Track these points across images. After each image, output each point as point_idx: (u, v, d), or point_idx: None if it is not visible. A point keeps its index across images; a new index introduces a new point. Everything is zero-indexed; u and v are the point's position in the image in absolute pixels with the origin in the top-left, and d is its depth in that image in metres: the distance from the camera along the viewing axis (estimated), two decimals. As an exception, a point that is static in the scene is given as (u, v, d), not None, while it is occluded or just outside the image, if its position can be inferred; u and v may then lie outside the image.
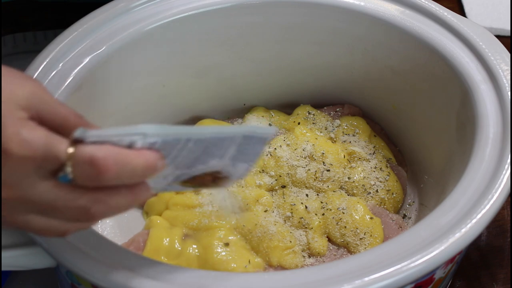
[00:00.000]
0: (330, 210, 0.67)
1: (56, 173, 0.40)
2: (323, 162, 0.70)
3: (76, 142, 0.40)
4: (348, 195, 0.69)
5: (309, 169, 0.70)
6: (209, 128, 0.45)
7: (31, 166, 0.39)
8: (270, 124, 0.77)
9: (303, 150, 0.71)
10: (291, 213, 0.67)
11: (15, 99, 0.40)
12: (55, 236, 0.43)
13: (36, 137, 0.39)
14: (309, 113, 0.77)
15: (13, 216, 0.41)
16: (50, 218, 0.42)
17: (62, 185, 0.40)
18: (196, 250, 0.62)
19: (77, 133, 0.40)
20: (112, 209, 0.42)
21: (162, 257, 0.62)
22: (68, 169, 0.40)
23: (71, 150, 0.39)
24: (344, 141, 0.74)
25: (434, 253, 0.48)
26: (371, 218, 0.66)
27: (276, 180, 0.70)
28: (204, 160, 0.46)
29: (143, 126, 0.41)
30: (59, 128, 0.41)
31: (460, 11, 1.01)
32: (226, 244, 0.63)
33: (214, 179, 0.49)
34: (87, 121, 0.43)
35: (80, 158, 0.39)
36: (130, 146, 0.41)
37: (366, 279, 0.47)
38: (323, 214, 0.67)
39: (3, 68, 0.41)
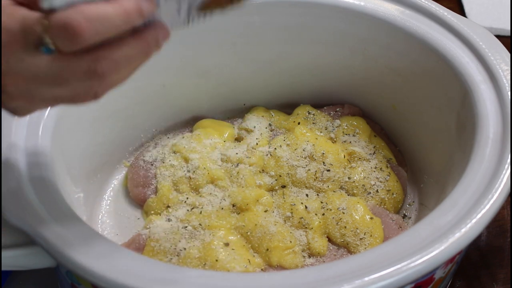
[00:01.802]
0: (330, 210, 0.67)
1: (39, 48, 0.40)
2: (323, 162, 0.70)
3: (48, 12, 0.40)
4: (348, 195, 0.69)
5: (309, 169, 0.70)
6: None
7: (16, 46, 0.40)
8: (270, 124, 0.77)
9: (303, 150, 0.71)
10: (291, 213, 0.67)
11: None
12: (87, 101, 0.44)
13: (13, 19, 0.40)
14: (309, 113, 0.77)
15: (36, 98, 0.42)
16: (69, 88, 0.42)
17: (57, 56, 0.41)
18: (196, 250, 0.62)
19: (45, 4, 0.40)
20: (122, 61, 0.42)
21: (162, 257, 0.63)
22: (47, 40, 0.40)
23: (44, 21, 0.40)
24: (344, 141, 0.74)
25: (434, 253, 0.48)
26: (371, 218, 0.66)
27: (276, 180, 0.70)
28: None
29: None
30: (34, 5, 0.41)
31: (460, 11, 1.01)
32: (226, 244, 0.63)
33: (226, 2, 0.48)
34: None
35: (54, 26, 0.39)
36: None
37: (366, 279, 0.47)
38: (323, 214, 0.67)
39: None
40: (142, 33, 0.42)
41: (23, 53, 0.40)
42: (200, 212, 0.66)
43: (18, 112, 0.45)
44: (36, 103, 0.44)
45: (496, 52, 0.64)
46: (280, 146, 0.72)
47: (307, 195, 0.68)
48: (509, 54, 0.64)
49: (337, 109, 0.79)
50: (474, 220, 0.50)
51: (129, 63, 0.42)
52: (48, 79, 0.41)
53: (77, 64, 0.41)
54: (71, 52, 0.40)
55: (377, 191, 0.70)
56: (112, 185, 0.75)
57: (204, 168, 0.70)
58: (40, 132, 0.59)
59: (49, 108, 0.61)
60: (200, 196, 0.69)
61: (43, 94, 0.43)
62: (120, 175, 0.76)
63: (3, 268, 0.52)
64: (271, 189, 0.70)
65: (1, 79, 0.41)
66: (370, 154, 0.73)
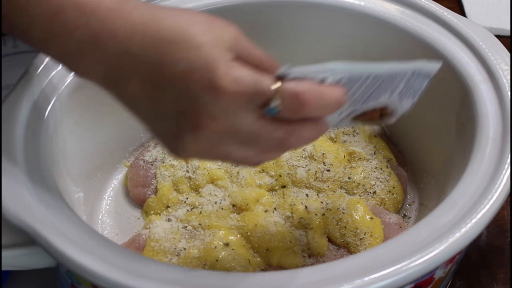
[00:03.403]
0: (330, 210, 0.67)
1: (262, 107, 0.44)
2: (323, 162, 0.70)
3: (278, 78, 0.44)
4: (348, 195, 0.69)
5: (309, 169, 0.70)
6: (385, 64, 0.49)
7: (242, 101, 0.43)
8: None
9: (303, 150, 0.71)
10: (291, 213, 0.67)
11: (223, 42, 0.44)
12: (250, 165, 0.49)
13: (245, 75, 0.43)
14: (309, 113, 0.77)
15: (217, 148, 0.45)
16: (249, 149, 0.45)
17: (265, 117, 0.44)
18: (196, 250, 0.62)
19: (282, 70, 0.45)
20: (302, 140, 0.46)
21: (162, 257, 0.63)
22: (276, 102, 0.44)
23: (277, 85, 0.44)
24: (344, 141, 0.74)
25: (434, 253, 0.48)
26: (371, 218, 0.66)
27: (276, 180, 0.70)
28: (376, 96, 0.49)
29: (332, 63, 0.46)
30: (256, 68, 0.45)
31: (460, 11, 1.01)
32: (226, 244, 0.63)
33: (381, 114, 0.52)
34: (277, 62, 0.47)
35: (286, 92, 0.44)
36: (321, 82, 0.45)
37: (366, 279, 0.47)
38: (323, 214, 0.67)
39: (207, 16, 0.45)
40: (318, 120, 0.47)
41: (242, 109, 0.43)
42: (200, 212, 0.66)
43: (184, 153, 0.46)
44: (210, 154, 0.46)
45: (496, 52, 0.64)
46: (280, 146, 0.72)
47: (307, 195, 0.68)
48: (509, 54, 0.64)
49: (337, 109, 0.79)
50: (474, 220, 0.50)
51: (304, 142, 0.47)
52: (244, 136, 0.45)
53: (276, 130, 0.45)
54: (284, 119, 0.45)
55: (377, 191, 0.70)
56: (112, 185, 0.75)
57: (204, 168, 0.70)
58: (40, 132, 0.59)
59: (49, 108, 0.61)
60: (200, 196, 0.69)
61: (225, 147, 0.45)
62: (120, 175, 0.76)
63: (3, 268, 0.52)
64: (271, 189, 0.70)
65: (204, 120, 0.43)
66: (370, 154, 0.73)
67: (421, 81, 0.52)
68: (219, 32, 0.44)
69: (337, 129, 0.75)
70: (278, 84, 0.44)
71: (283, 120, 0.45)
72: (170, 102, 0.44)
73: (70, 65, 0.48)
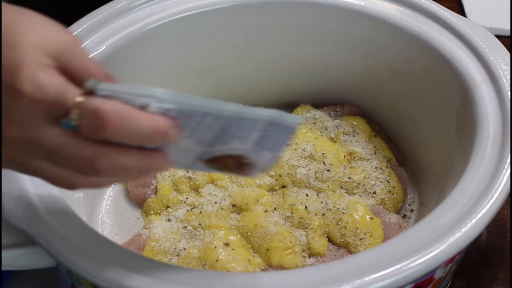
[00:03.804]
0: (330, 210, 0.67)
1: (59, 120, 0.41)
2: (323, 162, 0.70)
3: (88, 93, 0.40)
4: (348, 195, 0.69)
5: (309, 169, 0.70)
6: (230, 105, 0.43)
7: (40, 109, 0.40)
8: None
9: (303, 150, 0.71)
10: (291, 213, 0.67)
11: (45, 46, 0.41)
12: (64, 187, 0.44)
13: (50, 82, 0.40)
14: (309, 113, 0.77)
15: (24, 160, 0.42)
16: (58, 167, 0.42)
17: (70, 133, 0.41)
18: (196, 250, 0.62)
19: (89, 84, 0.40)
20: (119, 168, 0.42)
21: (162, 257, 0.63)
22: (73, 116, 0.40)
23: (79, 99, 0.40)
24: (345, 141, 0.74)
25: (434, 253, 0.48)
26: (371, 218, 0.66)
27: (276, 180, 0.70)
28: (225, 140, 0.45)
29: (158, 90, 0.41)
30: (81, 81, 0.42)
31: (460, 11, 1.01)
32: (226, 244, 0.63)
33: (238, 164, 0.48)
34: (113, 78, 0.43)
35: (87, 108, 0.40)
36: (143, 108, 0.41)
37: (366, 279, 0.47)
38: (323, 214, 0.67)
39: (44, 18, 0.43)
40: (149, 152, 0.42)
41: (42, 118, 0.40)
42: (200, 212, 0.66)
43: None
44: (21, 166, 0.43)
45: (496, 52, 0.64)
46: (280, 146, 0.72)
47: (307, 195, 0.68)
48: (509, 54, 0.64)
49: (337, 109, 0.79)
50: (474, 220, 0.50)
51: (123, 172, 0.42)
52: (48, 150, 0.41)
53: (83, 148, 0.41)
54: (90, 138, 0.41)
55: (377, 191, 0.70)
56: (112, 185, 0.75)
57: (204, 168, 0.70)
58: (40, 132, 0.59)
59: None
60: (200, 196, 0.69)
61: (33, 160, 0.42)
62: (120, 175, 0.76)
63: (3, 268, 0.52)
64: (271, 189, 0.70)
65: (5, 124, 0.41)
66: (370, 154, 0.73)
67: (281, 134, 0.46)
68: (49, 36, 0.41)
69: (337, 129, 0.75)
70: (82, 97, 0.40)
71: (94, 140, 0.41)
72: None
73: None
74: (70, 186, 0.43)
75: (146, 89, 0.41)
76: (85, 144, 0.41)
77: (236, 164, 0.48)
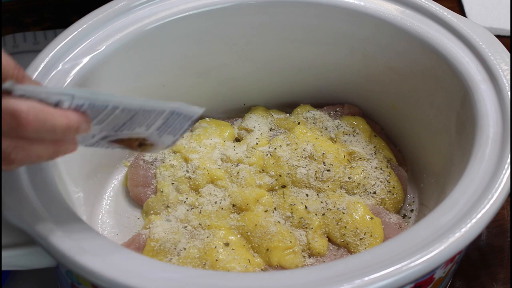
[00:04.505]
0: (330, 210, 0.67)
1: None
2: (324, 162, 0.70)
3: (4, 93, 0.42)
4: (348, 195, 0.69)
5: (309, 169, 0.70)
6: (139, 100, 0.49)
7: None
8: (270, 124, 0.77)
9: (303, 150, 0.71)
10: (291, 213, 0.67)
11: None
12: None
13: None
14: (309, 113, 0.77)
15: None
16: None
17: None
18: (196, 250, 0.62)
19: (6, 85, 0.42)
20: (32, 157, 0.45)
21: (162, 257, 0.63)
22: None
23: None
24: (345, 141, 0.74)
25: (434, 252, 0.48)
26: (371, 218, 0.66)
27: (276, 180, 0.70)
28: (130, 127, 0.50)
29: (73, 89, 0.45)
30: None
31: (460, 11, 1.01)
32: (226, 244, 0.63)
33: (140, 144, 0.53)
34: (25, 73, 0.46)
35: (4, 109, 0.42)
36: (57, 105, 0.44)
37: (366, 279, 0.47)
38: (323, 214, 0.67)
39: None
40: (58, 140, 0.46)
41: None
42: (200, 212, 0.66)
43: None
44: None
45: (496, 52, 0.64)
46: (280, 146, 0.72)
47: (307, 195, 0.68)
48: (509, 54, 0.64)
49: (337, 109, 0.79)
50: (474, 220, 0.50)
51: (36, 159, 0.45)
52: None
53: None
54: (7, 135, 0.43)
55: (377, 191, 0.70)
56: (112, 185, 0.75)
57: (204, 168, 0.70)
58: (40, 132, 0.59)
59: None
60: (200, 196, 0.69)
61: None
62: (120, 175, 0.76)
63: (3, 268, 0.52)
64: (271, 189, 0.70)
65: None
66: (371, 154, 0.73)
67: (182, 122, 0.53)
68: None
69: (337, 129, 0.75)
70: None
71: (10, 135, 0.43)
72: None
73: None
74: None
75: (60, 88, 0.45)
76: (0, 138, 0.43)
77: (138, 144, 0.53)
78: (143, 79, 0.73)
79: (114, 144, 0.52)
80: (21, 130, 0.42)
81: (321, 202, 0.68)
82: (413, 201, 0.73)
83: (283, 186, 0.70)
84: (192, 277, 0.48)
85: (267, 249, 0.63)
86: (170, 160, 0.73)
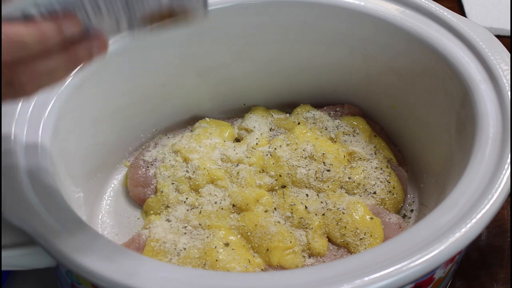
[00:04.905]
0: (330, 210, 0.67)
1: None
2: (324, 162, 0.70)
3: None
4: (348, 195, 0.69)
5: (309, 169, 0.70)
6: None
7: None
8: (270, 124, 0.77)
9: (304, 150, 0.71)
10: (291, 213, 0.67)
11: None
12: (19, 97, 0.45)
13: None
14: (309, 113, 0.77)
15: None
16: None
17: None
18: (196, 250, 0.62)
19: None
20: (42, 74, 0.44)
21: (162, 257, 0.63)
22: None
23: None
24: (345, 141, 0.74)
25: (434, 253, 0.48)
26: (371, 218, 0.66)
27: (276, 180, 0.70)
28: None
29: None
30: None
31: (460, 11, 1.01)
32: (226, 244, 0.63)
33: (171, 16, 0.49)
34: None
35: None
36: (26, 18, 0.42)
37: (366, 279, 0.47)
38: (323, 214, 0.67)
39: None
40: (71, 46, 0.44)
41: None
42: (200, 212, 0.66)
43: None
44: None
45: (496, 52, 0.64)
46: (280, 146, 0.72)
47: (307, 195, 0.68)
48: (509, 54, 0.64)
49: (337, 109, 0.79)
50: (474, 220, 0.50)
51: (52, 73, 0.44)
52: None
53: None
54: None
55: (377, 191, 0.70)
56: (112, 185, 0.75)
57: (204, 168, 0.70)
58: (40, 132, 0.59)
59: (49, 107, 0.61)
60: (200, 196, 0.69)
61: None
62: (120, 175, 0.76)
63: (3, 268, 0.52)
64: (271, 189, 0.70)
65: None
66: (371, 154, 0.73)
67: None
68: None
69: (337, 129, 0.75)
70: None
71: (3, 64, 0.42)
72: None
73: None
74: (22, 94, 0.45)
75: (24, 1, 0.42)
76: None
77: (169, 16, 0.49)
78: (143, 79, 0.73)
79: (146, 23, 0.48)
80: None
81: (321, 202, 0.68)
82: (413, 201, 0.73)
83: (283, 186, 0.70)
84: (192, 277, 0.48)
85: (267, 249, 0.63)
86: (170, 160, 0.73)
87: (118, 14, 0.46)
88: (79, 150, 0.68)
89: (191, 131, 0.78)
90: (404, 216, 0.71)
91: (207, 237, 0.64)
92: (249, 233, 0.64)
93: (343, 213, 0.66)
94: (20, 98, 0.46)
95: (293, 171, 0.70)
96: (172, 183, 0.71)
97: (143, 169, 0.73)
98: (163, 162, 0.73)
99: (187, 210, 0.68)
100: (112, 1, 0.45)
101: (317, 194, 0.69)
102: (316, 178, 0.70)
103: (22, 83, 0.44)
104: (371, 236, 0.65)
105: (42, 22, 0.43)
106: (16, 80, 0.43)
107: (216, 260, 0.61)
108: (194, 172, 0.70)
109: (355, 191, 0.70)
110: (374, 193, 0.69)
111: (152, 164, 0.73)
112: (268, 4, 0.72)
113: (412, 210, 0.72)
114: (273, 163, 0.71)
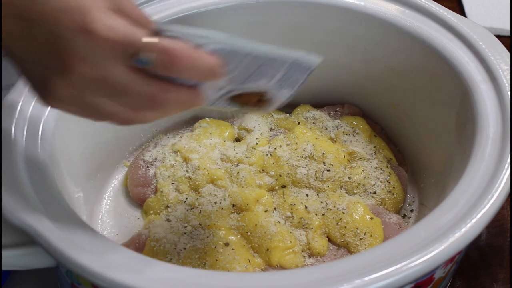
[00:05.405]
0: (330, 210, 0.67)
1: (133, 58, 0.44)
2: (324, 162, 0.70)
3: (154, 33, 0.44)
4: (348, 195, 0.69)
5: (309, 169, 0.70)
6: (267, 46, 0.49)
7: (114, 48, 0.43)
8: (270, 124, 0.77)
9: (304, 150, 0.71)
10: (291, 213, 0.67)
11: None
12: (118, 123, 0.47)
13: (119, 23, 0.43)
14: (309, 113, 0.77)
15: (86, 97, 0.45)
16: (117, 104, 0.45)
17: (137, 70, 0.44)
18: (196, 250, 0.62)
19: (157, 26, 0.45)
20: (173, 102, 0.46)
21: (162, 257, 0.63)
22: (147, 53, 0.44)
23: (148, 39, 0.44)
24: (345, 141, 0.74)
25: (434, 252, 0.48)
26: (371, 218, 0.66)
27: (276, 180, 0.70)
28: (255, 78, 0.50)
29: (214, 32, 0.46)
30: (133, 23, 0.45)
31: (460, 11, 1.01)
32: (226, 244, 0.63)
33: (258, 101, 0.53)
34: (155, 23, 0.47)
35: (159, 46, 0.44)
36: (198, 47, 0.45)
37: (366, 279, 0.47)
38: (323, 214, 0.67)
39: None
40: (193, 88, 0.47)
41: (113, 56, 0.43)
42: (200, 212, 0.66)
43: (52, 99, 0.45)
44: (78, 103, 0.45)
45: (496, 52, 0.64)
46: (280, 146, 0.72)
47: (307, 195, 0.68)
48: (509, 54, 0.64)
49: (337, 109, 0.79)
50: (474, 220, 0.50)
51: (176, 105, 0.47)
52: (114, 86, 0.44)
53: (148, 84, 0.45)
54: (156, 73, 0.44)
55: (377, 191, 0.70)
56: (112, 185, 0.75)
57: (204, 168, 0.70)
58: (40, 132, 0.59)
59: (49, 108, 0.61)
60: (200, 196, 0.69)
61: (94, 97, 0.45)
62: (120, 175, 0.76)
63: (3, 268, 0.52)
64: (271, 189, 0.70)
65: (73, 62, 0.43)
66: (371, 154, 0.73)
67: (301, 73, 0.53)
68: None
69: (337, 129, 0.75)
70: (153, 38, 0.44)
71: (157, 77, 0.45)
72: (42, 42, 0.43)
73: None
74: (125, 121, 0.47)
75: (202, 30, 0.45)
76: (149, 80, 0.45)
77: (256, 100, 0.53)
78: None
79: (234, 101, 0.52)
80: (175, 67, 0.44)
81: (321, 202, 0.68)
82: (413, 201, 0.73)
83: (283, 186, 0.70)
84: (192, 277, 0.48)
85: (267, 249, 0.63)
86: (170, 160, 0.73)
87: (236, 81, 0.49)
88: (79, 150, 0.68)
89: (191, 131, 0.78)
90: (404, 216, 0.71)
91: (207, 237, 0.64)
92: (249, 233, 0.64)
93: (343, 213, 0.66)
94: (125, 121, 0.47)
95: (293, 171, 0.70)
96: (172, 183, 0.71)
97: (143, 169, 0.73)
98: (163, 162, 0.73)
99: (187, 210, 0.68)
100: (240, 74, 0.49)
101: (317, 194, 0.69)
102: (316, 178, 0.70)
103: (161, 103, 0.46)
104: (371, 236, 0.65)
105: (213, 56, 0.45)
106: (160, 99, 0.45)
107: (216, 260, 0.61)
108: (194, 172, 0.70)
109: (355, 191, 0.70)
110: (374, 193, 0.69)
111: (152, 164, 0.73)
112: (268, 4, 0.72)
113: (412, 210, 0.72)
114: (273, 163, 0.71)
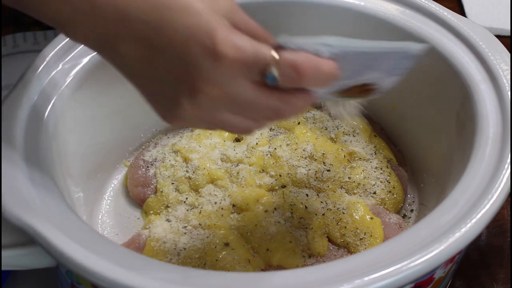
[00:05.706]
0: (330, 210, 0.67)
1: (260, 75, 0.45)
2: (324, 162, 0.70)
3: (276, 48, 0.45)
4: (348, 195, 0.69)
5: (309, 169, 0.70)
6: (378, 43, 0.51)
7: (242, 68, 0.44)
8: (270, 128, 0.77)
9: (304, 150, 0.71)
10: (291, 213, 0.67)
11: (219, 10, 0.44)
12: (240, 132, 0.49)
13: (245, 43, 0.44)
14: (309, 113, 0.77)
15: (212, 115, 0.46)
16: (242, 117, 0.47)
17: (261, 86, 0.45)
18: (196, 250, 0.62)
19: (281, 40, 0.46)
20: (294, 109, 0.47)
21: (162, 257, 0.63)
22: (275, 71, 0.44)
23: (275, 54, 0.44)
24: (345, 141, 0.74)
25: (434, 252, 0.48)
26: (371, 218, 0.66)
27: (276, 180, 0.70)
28: (364, 72, 0.51)
29: (328, 38, 0.47)
30: (252, 37, 0.45)
31: (460, 11, 1.01)
32: (226, 244, 0.63)
33: (365, 90, 0.54)
34: (270, 34, 0.48)
35: (285, 62, 0.44)
36: (316, 54, 0.46)
37: (366, 278, 0.47)
38: (323, 214, 0.67)
39: None
40: (307, 92, 0.47)
41: (241, 76, 0.44)
42: (200, 212, 0.66)
43: (178, 119, 0.46)
44: (204, 120, 0.46)
45: (496, 52, 0.64)
46: (280, 146, 0.72)
47: (307, 195, 0.68)
48: (509, 54, 0.64)
49: (337, 109, 0.79)
50: (474, 220, 0.50)
51: (296, 111, 0.48)
52: (240, 103, 0.45)
53: (271, 99, 0.46)
54: (279, 88, 0.45)
55: (377, 191, 0.70)
56: (112, 185, 0.75)
57: (204, 168, 0.70)
58: (40, 132, 0.59)
59: (49, 108, 0.61)
60: (200, 196, 0.69)
61: (221, 114, 0.46)
62: (120, 175, 0.76)
63: (3, 268, 0.52)
64: (271, 189, 0.70)
65: (202, 84, 0.44)
66: (371, 154, 0.73)
67: (408, 61, 0.53)
68: (212, 1, 0.45)
69: (337, 129, 0.75)
70: (278, 53, 0.44)
71: (278, 89, 0.45)
72: (167, 66, 0.44)
73: (67, 32, 0.48)
74: (246, 131, 0.49)
75: (317, 38, 0.46)
76: (273, 94, 0.45)
77: (362, 90, 0.53)
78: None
79: (342, 95, 0.53)
80: (301, 80, 0.44)
81: (321, 202, 0.68)
82: (413, 201, 0.73)
83: (283, 186, 0.70)
84: (192, 277, 0.48)
85: (267, 249, 0.63)
86: (170, 160, 0.73)
87: (346, 78, 0.50)
88: (79, 150, 0.68)
89: (191, 131, 0.78)
90: (404, 216, 0.71)
91: (207, 237, 0.64)
92: (249, 233, 0.64)
93: (343, 213, 0.66)
94: (247, 131, 0.49)
95: (293, 171, 0.70)
96: (172, 183, 0.71)
97: (143, 169, 0.73)
98: (163, 162, 0.73)
99: (187, 210, 0.68)
100: (349, 71, 0.49)
101: (317, 194, 0.69)
102: (316, 178, 0.70)
103: (284, 114, 0.47)
104: (371, 236, 0.65)
105: (332, 62, 0.46)
106: (283, 110, 0.46)
107: (216, 260, 0.61)
108: (194, 172, 0.70)
109: (355, 191, 0.70)
110: (374, 193, 0.69)
111: (152, 164, 0.73)
112: (268, 4, 0.72)
113: (412, 210, 0.72)
114: (273, 163, 0.71)
